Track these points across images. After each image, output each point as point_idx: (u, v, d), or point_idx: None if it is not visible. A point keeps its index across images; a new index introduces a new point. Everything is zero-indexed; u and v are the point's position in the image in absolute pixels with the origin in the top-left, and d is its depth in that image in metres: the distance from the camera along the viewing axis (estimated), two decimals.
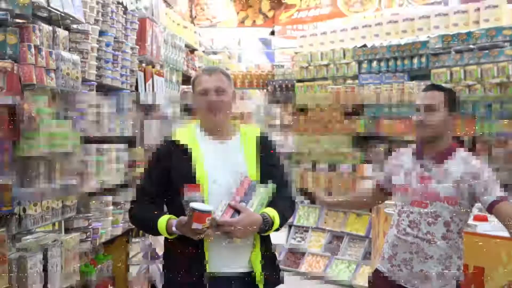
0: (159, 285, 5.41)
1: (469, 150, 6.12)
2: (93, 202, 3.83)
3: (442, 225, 2.86)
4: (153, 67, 5.09)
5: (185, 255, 2.67)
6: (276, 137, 8.71)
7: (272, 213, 2.69)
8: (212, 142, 2.80)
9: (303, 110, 8.36)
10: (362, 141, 7.69)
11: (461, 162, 2.88)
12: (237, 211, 2.62)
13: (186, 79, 7.18)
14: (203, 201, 2.59)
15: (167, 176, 2.73)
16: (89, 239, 3.52)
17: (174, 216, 2.66)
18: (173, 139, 2.78)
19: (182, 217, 2.59)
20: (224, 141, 2.80)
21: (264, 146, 2.85)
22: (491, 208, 2.81)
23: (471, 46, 6.20)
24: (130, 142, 4.52)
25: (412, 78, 7.00)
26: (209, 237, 2.57)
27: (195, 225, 2.49)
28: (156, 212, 2.70)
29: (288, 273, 7.39)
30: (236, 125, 2.91)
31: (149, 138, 4.83)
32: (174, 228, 2.61)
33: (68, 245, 3.10)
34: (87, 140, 3.70)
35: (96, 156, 3.70)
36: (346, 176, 7.66)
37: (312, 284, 7.33)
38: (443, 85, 3.08)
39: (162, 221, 2.65)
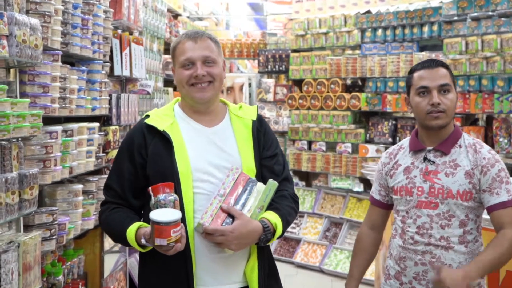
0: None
1: (485, 131, 5.99)
2: (59, 192, 3.47)
3: (458, 226, 2.51)
4: (131, 34, 4.72)
5: (166, 268, 2.30)
6: (268, 113, 8.38)
7: (274, 219, 2.32)
8: (198, 127, 2.41)
9: (298, 83, 8.04)
10: (365, 118, 7.40)
11: (471, 150, 2.55)
12: (231, 216, 2.25)
13: (169, 48, 6.80)
14: (173, 206, 2.19)
15: (142, 171, 2.35)
16: (54, 237, 3.17)
17: (145, 224, 2.29)
18: (148, 123, 2.38)
19: (147, 229, 2.21)
20: (212, 126, 2.42)
21: (261, 132, 2.47)
22: (489, 211, 2.50)
23: (490, 13, 5.87)
24: (104, 121, 4.17)
25: (421, 49, 6.71)
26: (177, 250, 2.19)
27: (158, 241, 2.12)
28: (126, 219, 2.32)
29: (282, 263, 7.10)
30: (226, 104, 2.53)
31: (126, 117, 4.48)
32: (143, 241, 2.23)
33: (26, 247, 2.75)
34: (51, 120, 3.33)
35: (63, 138, 3.33)
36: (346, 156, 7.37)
37: (308, 275, 7.05)
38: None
39: (131, 231, 2.27)
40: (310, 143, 7.84)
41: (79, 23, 3.54)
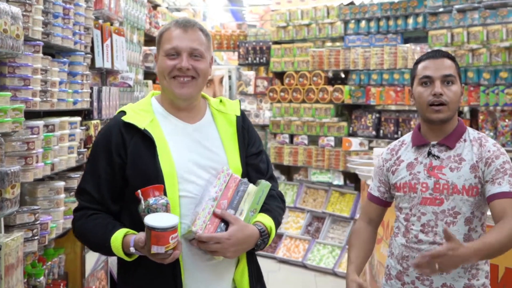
0: None
1: (470, 124, 5.96)
2: (40, 189, 3.33)
3: (463, 223, 2.43)
4: (112, 24, 4.56)
5: (152, 279, 2.14)
6: (249, 106, 8.28)
7: (269, 222, 2.20)
8: (179, 124, 2.25)
9: (280, 75, 7.94)
10: (348, 111, 7.34)
11: (476, 144, 2.47)
12: (224, 222, 2.12)
13: (149, 40, 6.66)
14: (165, 210, 2.04)
15: (120, 172, 2.17)
16: (36, 237, 3.03)
17: (132, 231, 2.12)
18: (125, 120, 2.19)
19: (139, 235, 2.06)
20: (193, 122, 2.26)
21: (245, 128, 2.33)
22: (489, 200, 2.41)
23: (476, 5, 5.84)
24: (85, 115, 4.03)
25: (406, 41, 6.68)
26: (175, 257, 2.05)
27: (155, 249, 1.97)
28: (106, 226, 2.14)
29: (263, 259, 7.02)
30: (206, 98, 2.36)
31: (108, 110, 4.34)
32: (132, 249, 2.06)
33: (8, 249, 2.61)
34: (30, 114, 3.18)
35: (44, 133, 3.19)
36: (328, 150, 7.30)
37: (290, 271, 6.98)
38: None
39: (116, 238, 2.09)
40: (292, 136, 7.76)
41: (61, 13, 3.39)
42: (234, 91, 8.97)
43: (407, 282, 2.51)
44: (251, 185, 2.20)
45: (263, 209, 2.23)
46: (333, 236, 7.17)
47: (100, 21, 4.30)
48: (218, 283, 2.20)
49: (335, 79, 7.42)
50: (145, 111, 2.23)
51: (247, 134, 2.33)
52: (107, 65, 4.30)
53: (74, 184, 3.69)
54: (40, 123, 3.06)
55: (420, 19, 6.37)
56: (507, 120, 5.62)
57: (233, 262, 2.23)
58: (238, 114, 2.32)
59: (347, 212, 7.19)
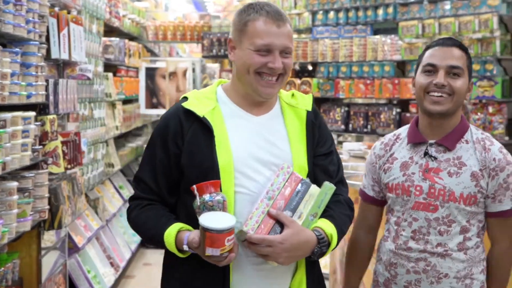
0: (79, 282, 4.87)
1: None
2: None
3: (458, 232, 2.28)
4: (69, 12, 4.33)
5: (198, 275, 2.03)
6: None
7: (330, 229, 2.02)
8: (243, 114, 2.10)
9: None
10: (316, 105, 7.21)
11: (479, 147, 2.29)
12: (280, 224, 1.95)
13: (109, 30, 6.42)
14: (222, 208, 1.92)
15: (175, 162, 2.06)
16: None
17: (186, 226, 2.01)
18: (185, 107, 2.07)
19: (193, 234, 1.94)
20: (259, 114, 2.11)
21: (316, 125, 2.15)
22: (487, 215, 2.31)
23: None
24: (40, 109, 3.79)
25: (375, 32, 6.61)
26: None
27: (210, 251, 1.86)
28: (161, 219, 2.05)
29: None
30: (278, 92, 2.18)
31: (65, 104, 4.11)
32: (186, 247, 1.95)
33: None
34: None
35: None
36: None
37: None
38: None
39: (170, 234, 1.99)
40: None
41: None
42: (198, 84, 8.78)
43: None
44: (313, 186, 2.03)
45: (327, 215, 2.06)
46: None
47: (56, 9, 4.07)
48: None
49: (302, 72, 7.29)
50: (208, 98, 2.11)
51: (318, 132, 2.15)
52: (64, 56, 4.07)
53: (29, 184, 3.48)
54: None
55: (390, 10, 6.29)
56: (479, 113, 5.56)
57: (290, 269, 2.07)
58: (310, 109, 2.16)
59: None
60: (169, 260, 2.13)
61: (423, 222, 2.29)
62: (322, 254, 2.00)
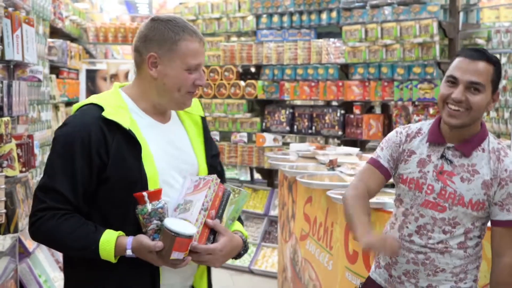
0: (31, 287, 4.78)
1: (383, 119, 6.09)
2: None
3: (461, 233, 2.38)
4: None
5: (131, 274, 2.08)
6: None
7: (244, 231, 2.22)
8: (153, 123, 2.16)
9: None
10: (260, 107, 7.31)
11: (493, 157, 2.36)
12: (212, 232, 2.07)
13: (53, 31, 6.34)
14: (166, 214, 2.02)
15: (98, 173, 2.03)
16: None
17: (122, 233, 2.02)
18: (108, 117, 2.03)
19: (144, 239, 1.98)
20: (165, 122, 2.20)
21: (207, 129, 2.33)
22: (493, 224, 2.39)
23: (389, 1, 5.96)
24: None
25: (319, 36, 6.70)
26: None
27: (176, 255, 1.95)
28: (89, 227, 2.02)
29: None
30: None
31: (17, 107, 4.05)
32: (129, 252, 1.98)
33: None
34: None
35: None
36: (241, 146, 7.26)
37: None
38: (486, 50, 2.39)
39: (108, 242, 1.98)
40: None
41: None
42: None
43: (394, 276, 2.47)
44: (231, 194, 2.16)
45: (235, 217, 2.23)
46: (248, 234, 7.13)
47: (10, 9, 4.00)
48: (190, 279, 2.22)
49: (245, 74, 7.36)
50: (121, 108, 2.09)
51: (209, 135, 2.32)
52: (18, 57, 4.01)
53: None
54: None
55: (334, 14, 6.43)
56: (420, 115, 5.79)
57: (194, 264, 2.18)
58: (202, 114, 2.29)
59: (261, 208, 7.17)
60: (90, 272, 2.08)
61: (429, 219, 2.38)
62: (244, 254, 2.19)
